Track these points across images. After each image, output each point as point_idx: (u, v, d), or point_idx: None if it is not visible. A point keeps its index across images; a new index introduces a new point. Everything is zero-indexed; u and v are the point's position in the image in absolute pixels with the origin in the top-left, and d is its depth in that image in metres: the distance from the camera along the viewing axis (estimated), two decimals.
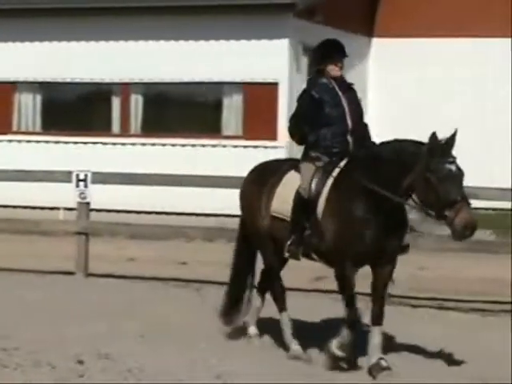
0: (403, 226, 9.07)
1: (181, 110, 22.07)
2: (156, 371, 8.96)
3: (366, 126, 9.63)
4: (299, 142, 9.67)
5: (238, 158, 20.20)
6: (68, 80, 22.42)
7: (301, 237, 9.09)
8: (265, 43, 20.82)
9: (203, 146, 21.02)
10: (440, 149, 8.37)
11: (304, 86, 22.72)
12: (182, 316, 11.35)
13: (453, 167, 8.30)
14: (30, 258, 14.72)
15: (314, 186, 8.97)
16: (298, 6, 20.64)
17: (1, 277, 13.78)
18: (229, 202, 18.15)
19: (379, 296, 8.97)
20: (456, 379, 8.96)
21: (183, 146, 21.02)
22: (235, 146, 20.65)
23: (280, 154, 20.46)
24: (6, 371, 8.96)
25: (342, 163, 9.22)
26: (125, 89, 22.42)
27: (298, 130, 9.51)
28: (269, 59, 20.74)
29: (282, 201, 9.31)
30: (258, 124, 20.97)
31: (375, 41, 24.59)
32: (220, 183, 14.54)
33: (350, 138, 9.19)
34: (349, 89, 9.38)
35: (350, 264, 8.82)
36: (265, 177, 9.97)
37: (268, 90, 20.58)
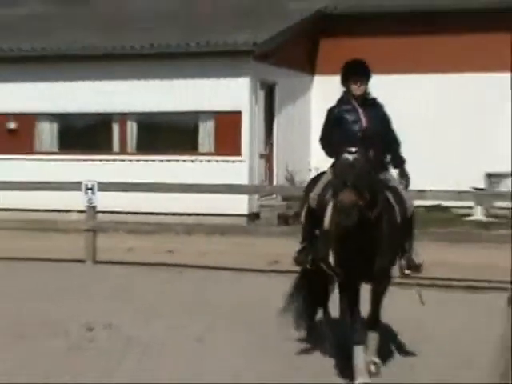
0: (391, 243, 7.20)
1: (166, 134, 22.00)
2: (149, 339, 8.92)
3: (383, 140, 7.66)
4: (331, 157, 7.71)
5: (210, 170, 20.34)
6: (77, 111, 22.26)
7: (310, 245, 7.80)
8: (231, 81, 20.73)
9: (184, 161, 20.93)
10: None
11: (261, 115, 22.60)
12: (168, 293, 11.44)
13: (347, 157, 6.79)
14: (49, 249, 14.66)
15: (323, 195, 7.53)
16: (255, 52, 20.53)
17: (27, 265, 13.77)
18: (204, 203, 18.41)
19: (375, 303, 7.55)
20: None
21: (168, 161, 20.95)
22: (208, 161, 20.60)
23: (243, 166, 20.56)
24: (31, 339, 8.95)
25: None
26: (122, 118, 22.25)
27: (323, 147, 7.92)
28: (234, 93, 20.68)
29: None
30: (226, 143, 20.88)
31: (317, 77, 24.53)
32: (196, 189, 14.52)
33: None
34: (373, 105, 7.85)
35: (350, 277, 7.24)
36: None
37: (233, 117, 20.49)
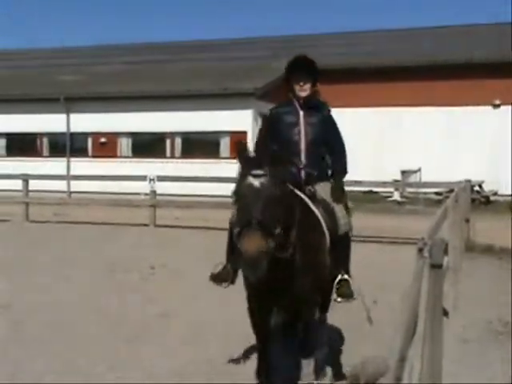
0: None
1: (199, 145, 22.11)
2: (193, 273, 8.61)
3: (326, 151, 4.65)
4: None
5: (227, 168, 20.16)
6: (144, 131, 22.50)
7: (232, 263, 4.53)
8: (240, 112, 20.87)
9: (211, 163, 20.95)
10: (243, 161, 3.76)
11: None
12: (203, 245, 11.18)
13: (251, 182, 3.59)
14: (127, 218, 14.38)
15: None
16: (255, 93, 20.73)
17: (113, 227, 13.67)
18: (224, 189, 18.57)
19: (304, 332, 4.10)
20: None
21: (202, 163, 21.09)
22: (226, 163, 20.67)
23: None
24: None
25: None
26: (171, 135, 22.46)
27: (256, 152, 4.09)
28: (242, 120, 20.77)
29: None
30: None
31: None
32: (218, 180, 14.54)
33: (302, 161, 4.50)
34: (316, 108, 4.67)
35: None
36: None
37: (242, 135, 20.67)
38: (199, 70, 24.46)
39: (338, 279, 4.44)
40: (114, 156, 22.74)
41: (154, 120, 21.87)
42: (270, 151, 3.92)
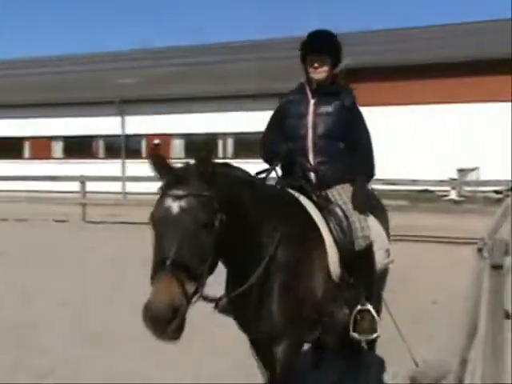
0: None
1: (252, 146, 22.13)
2: None
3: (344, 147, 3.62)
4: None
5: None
6: (196, 133, 22.76)
7: None
8: None
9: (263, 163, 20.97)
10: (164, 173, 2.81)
11: None
12: None
13: (169, 206, 2.60)
14: None
15: None
16: None
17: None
18: None
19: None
20: None
21: (254, 164, 21.09)
22: None
23: None
24: None
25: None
26: (223, 136, 22.70)
27: (260, 147, 4.02)
28: None
29: None
30: None
31: None
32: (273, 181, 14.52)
33: (310, 159, 3.60)
34: (335, 95, 3.65)
35: None
36: None
37: None
38: (252, 70, 24.53)
39: (356, 310, 3.38)
40: (168, 157, 22.93)
41: (207, 121, 22.09)
42: (212, 163, 2.77)
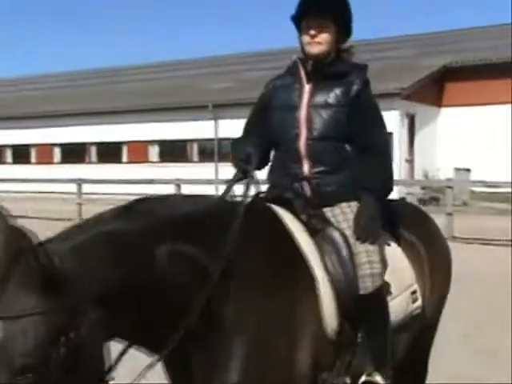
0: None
1: None
2: None
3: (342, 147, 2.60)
4: None
5: None
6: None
7: None
8: (386, 113, 19.82)
9: None
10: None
11: (405, 135, 21.42)
12: None
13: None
14: None
15: None
16: (401, 94, 20.35)
17: None
18: None
19: None
20: None
21: None
22: None
23: (394, 167, 20.30)
24: None
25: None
26: None
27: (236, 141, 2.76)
28: (387, 121, 20.20)
29: None
30: None
31: (442, 109, 23.78)
32: None
33: (303, 167, 2.60)
34: (338, 77, 2.56)
35: None
36: None
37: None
38: None
39: (361, 381, 2.46)
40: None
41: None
42: None
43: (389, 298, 2.54)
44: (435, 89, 23.37)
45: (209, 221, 2.14)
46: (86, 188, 18.06)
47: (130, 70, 33.18)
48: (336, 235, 2.48)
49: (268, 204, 2.53)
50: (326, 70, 2.60)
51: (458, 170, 20.35)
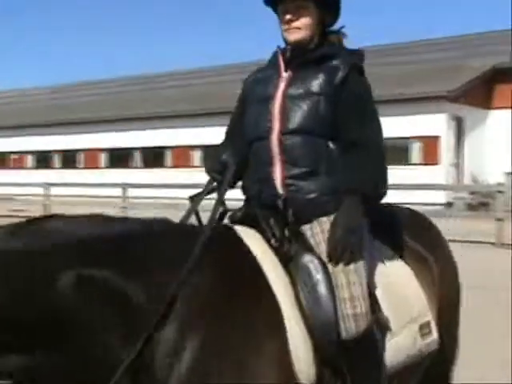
0: None
1: (387, 151, 21.69)
2: None
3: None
4: None
5: (419, 174, 19.30)
6: None
7: None
8: (433, 116, 20.15)
9: (400, 169, 19.86)
10: None
11: (452, 138, 20.79)
12: None
13: None
14: None
15: None
16: (449, 96, 19.90)
17: None
18: (413, 196, 17.85)
19: None
20: None
21: (390, 169, 20.61)
22: (416, 169, 19.94)
23: (441, 172, 19.88)
24: None
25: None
26: None
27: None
28: (435, 124, 20.11)
29: None
30: (429, 156, 20.44)
31: (491, 111, 23.13)
32: (408, 187, 13.87)
33: (275, 170, 2.16)
34: (323, 67, 2.14)
35: None
36: None
37: (434, 140, 20.20)
38: (385, 74, 23.95)
39: None
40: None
41: None
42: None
43: (388, 337, 2.07)
44: (484, 91, 22.79)
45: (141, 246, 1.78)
46: (130, 192, 18.31)
47: (173, 76, 33.44)
48: (312, 265, 2.00)
49: (231, 226, 2.12)
50: (307, 56, 2.21)
51: (508, 174, 19.72)
